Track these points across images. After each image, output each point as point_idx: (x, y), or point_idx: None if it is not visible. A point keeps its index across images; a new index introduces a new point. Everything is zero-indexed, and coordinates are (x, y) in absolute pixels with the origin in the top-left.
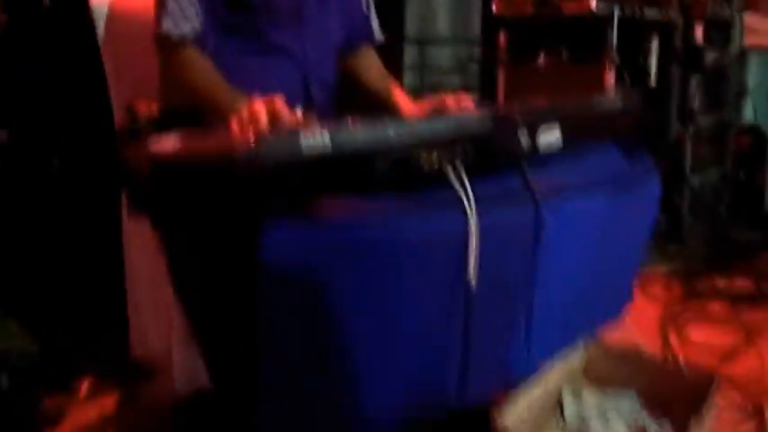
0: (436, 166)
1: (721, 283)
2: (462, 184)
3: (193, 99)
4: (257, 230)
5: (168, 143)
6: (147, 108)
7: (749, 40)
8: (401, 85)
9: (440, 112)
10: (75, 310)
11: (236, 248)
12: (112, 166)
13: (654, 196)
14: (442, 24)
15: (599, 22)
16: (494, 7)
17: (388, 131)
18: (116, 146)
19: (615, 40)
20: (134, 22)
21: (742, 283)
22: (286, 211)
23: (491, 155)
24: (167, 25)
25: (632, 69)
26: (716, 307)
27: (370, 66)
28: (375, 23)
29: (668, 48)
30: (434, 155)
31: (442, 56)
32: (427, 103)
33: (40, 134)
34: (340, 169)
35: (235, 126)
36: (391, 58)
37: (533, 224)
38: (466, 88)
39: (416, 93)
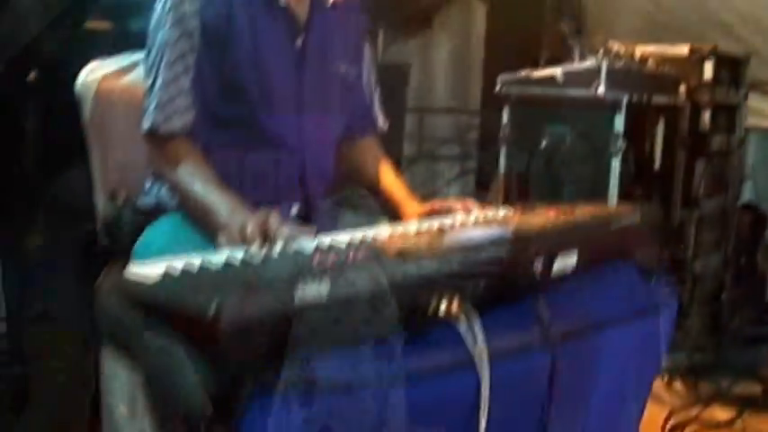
0: (445, 315)
1: (725, 382)
2: (473, 337)
3: (182, 197)
4: (241, 399)
5: (147, 273)
6: (131, 197)
7: (749, 121)
8: (400, 153)
9: (444, 216)
10: (43, 400)
11: (218, 416)
12: (91, 256)
13: (671, 320)
14: (442, 95)
15: (606, 107)
16: (498, 85)
17: (395, 273)
18: (95, 232)
19: (623, 126)
20: (122, 105)
21: (746, 387)
22: (274, 373)
23: (503, 289)
24: (157, 119)
25: (636, 153)
26: (721, 413)
27: (371, 158)
28: (378, 113)
29: (674, 132)
30: (444, 302)
31: (441, 125)
32: (431, 207)
33: (17, 212)
34: (337, 319)
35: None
36: (391, 127)
37: (548, 373)
38: (464, 158)
39: (415, 160)
